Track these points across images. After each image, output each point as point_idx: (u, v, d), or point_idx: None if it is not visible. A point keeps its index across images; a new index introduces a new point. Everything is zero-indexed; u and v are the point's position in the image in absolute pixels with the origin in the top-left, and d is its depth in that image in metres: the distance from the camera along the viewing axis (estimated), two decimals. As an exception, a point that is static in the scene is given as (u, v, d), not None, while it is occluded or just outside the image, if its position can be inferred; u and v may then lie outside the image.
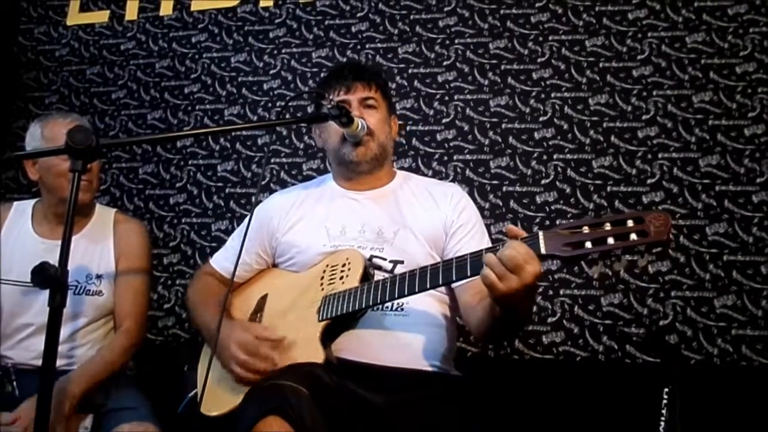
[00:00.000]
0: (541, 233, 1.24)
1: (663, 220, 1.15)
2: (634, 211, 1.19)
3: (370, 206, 1.75)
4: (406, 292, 1.44)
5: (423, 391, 1.50)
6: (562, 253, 1.20)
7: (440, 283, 1.41)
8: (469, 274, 1.35)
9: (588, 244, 1.18)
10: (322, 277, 1.61)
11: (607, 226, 1.18)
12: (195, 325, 1.76)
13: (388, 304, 1.59)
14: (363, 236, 1.68)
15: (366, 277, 1.56)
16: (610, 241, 1.17)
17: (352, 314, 1.53)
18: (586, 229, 1.19)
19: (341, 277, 1.57)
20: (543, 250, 1.22)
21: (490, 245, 1.67)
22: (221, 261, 1.85)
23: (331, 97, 1.75)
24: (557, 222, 2.52)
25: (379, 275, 1.59)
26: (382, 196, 1.78)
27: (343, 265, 1.59)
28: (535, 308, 2.45)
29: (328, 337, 1.53)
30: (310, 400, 1.28)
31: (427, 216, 1.73)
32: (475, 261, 1.34)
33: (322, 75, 2.85)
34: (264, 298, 1.74)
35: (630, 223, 1.16)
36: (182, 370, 1.83)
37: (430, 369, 1.58)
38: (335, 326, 1.55)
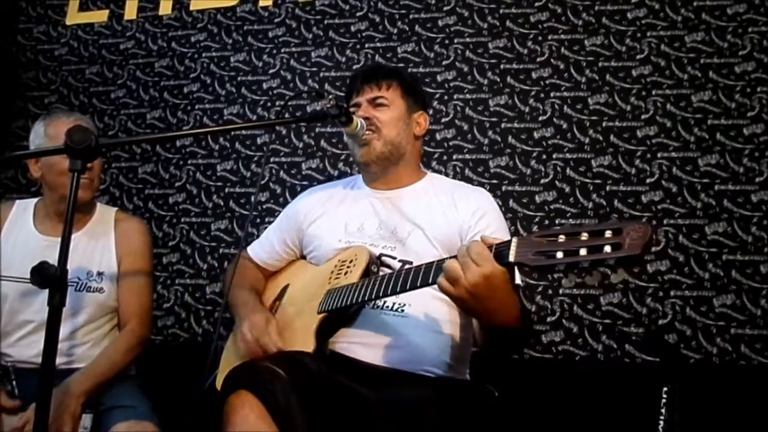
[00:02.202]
0: (514, 240, 1.17)
1: (641, 233, 1.03)
2: (617, 222, 1.08)
3: (388, 206, 1.76)
4: (398, 289, 1.42)
5: (417, 391, 1.49)
6: (530, 262, 1.12)
7: (429, 282, 1.34)
8: (430, 281, 1.32)
9: (559, 254, 1.09)
10: (332, 272, 1.65)
11: (584, 236, 1.08)
12: (230, 305, 1.81)
13: (389, 304, 1.59)
14: (378, 234, 1.70)
15: (367, 273, 1.58)
16: (582, 252, 1.07)
17: (347, 308, 1.55)
18: (562, 238, 1.10)
19: (345, 273, 1.60)
20: (512, 258, 1.16)
21: None
22: (257, 250, 1.94)
23: (344, 102, 1.80)
24: (556, 222, 2.52)
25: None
26: (401, 197, 1.78)
27: (350, 261, 1.62)
28: (534, 307, 2.46)
29: (325, 329, 1.56)
30: (285, 382, 1.32)
31: (444, 219, 1.71)
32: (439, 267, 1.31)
33: (321, 74, 2.88)
34: (285, 288, 1.82)
35: (608, 233, 1.06)
36: (183, 369, 1.84)
37: (424, 374, 1.56)
38: (333, 320, 1.57)
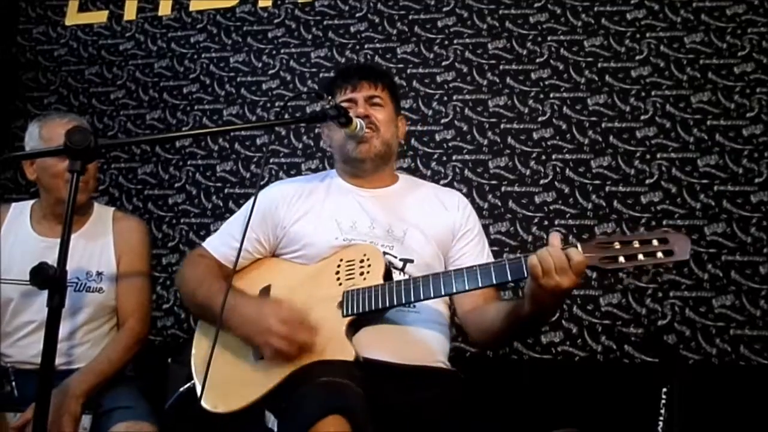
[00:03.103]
0: (579, 244, 1.34)
1: (685, 241, 1.29)
2: (658, 232, 1.33)
3: (377, 204, 1.76)
4: (443, 292, 1.47)
5: (437, 390, 1.50)
6: (602, 265, 1.32)
7: (479, 285, 1.44)
8: (509, 278, 1.41)
9: (621, 259, 1.31)
10: (338, 271, 1.60)
11: (636, 244, 1.31)
12: (197, 305, 1.66)
13: None
14: (373, 232, 1.69)
15: (389, 274, 1.56)
16: (641, 257, 1.30)
17: (379, 311, 1.52)
18: (617, 245, 1.32)
19: (361, 273, 1.56)
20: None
21: (489, 252, 1.78)
22: (218, 246, 1.77)
23: (336, 96, 1.79)
24: (556, 222, 2.53)
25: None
26: (387, 197, 1.79)
27: (362, 261, 1.58)
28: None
29: (351, 333, 1.51)
30: (365, 401, 1.28)
31: (436, 219, 1.75)
32: (515, 267, 1.39)
33: (320, 75, 2.87)
34: (267, 289, 1.69)
35: (655, 242, 1.30)
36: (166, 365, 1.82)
37: (438, 365, 1.60)
38: (357, 322, 1.53)
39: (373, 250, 1.60)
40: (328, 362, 1.41)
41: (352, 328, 1.52)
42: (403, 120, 1.90)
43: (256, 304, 1.55)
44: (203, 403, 1.49)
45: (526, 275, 1.37)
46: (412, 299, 1.50)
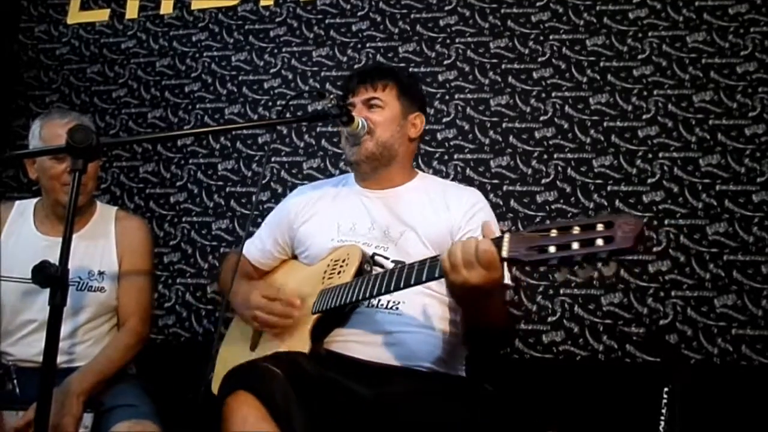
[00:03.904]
0: (506, 235, 1.19)
1: (632, 226, 1.05)
2: (608, 215, 1.10)
3: (380, 205, 1.77)
4: (392, 288, 1.44)
5: (413, 386, 1.51)
6: (523, 258, 1.14)
7: (423, 279, 1.37)
8: (436, 275, 1.33)
9: (551, 249, 1.10)
10: (325, 271, 1.66)
11: (576, 230, 1.09)
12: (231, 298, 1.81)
13: (383, 302, 1.60)
14: (371, 234, 1.71)
15: (360, 272, 1.58)
16: (575, 246, 1.08)
17: (341, 308, 1.55)
18: (554, 233, 1.11)
19: (339, 272, 1.61)
20: (505, 254, 1.17)
21: None
22: (251, 250, 1.94)
23: (340, 100, 1.81)
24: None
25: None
26: (394, 197, 1.79)
27: (343, 261, 1.63)
28: (534, 307, 2.45)
29: (320, 329, 1.57)
30: (283, 381, 1.33)
31: (436, 219, 1.73)
32: (433, 264, 1.35)
33: (322, 74, 2.87)
34: (279, 289, 1.79)
35: (599, 227, 1.07)
36: (184, 369, 1.85)
37: (421, 369, 1.59)
38: (327, 320, 1.58)
39: (353, 250, 1.64)
40: (284, 353, 1.53)
41: (322, 326, 1.58)
42: (420, 117, 1.87)
43: (248, 286, 1.74)
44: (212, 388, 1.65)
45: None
46: (368, 295, 1.49)
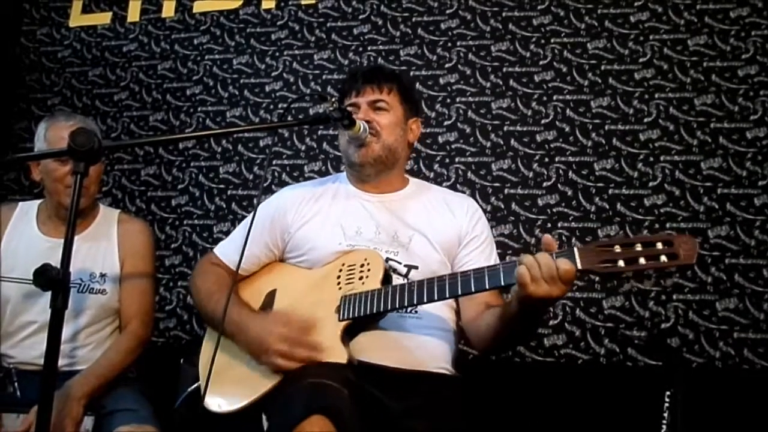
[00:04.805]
0: (576, 248, 1.29)
1: (691, 244, 1.22)
2: (662, 234, 1.27)
3: (383, 210, 1.75)
4: (435, 297, 1.46)
5: (435, 395, 1.50)
6: (599, 270, 1.26)
7: (472, 290, 1.43)
8: (502, 283, 1.39)
9: (621, 263, 1.25)
10: (339, 276, 1.60)
11: (638, 247, 1.24)
12: (206, 316, 1.70)
13: None
14: (378, 238, 1.68)
15: (387, 279, 1.56)
16: (642, 261, 1.23)
17: (374, 316, 1.52)
18: (617, 248, 1.26)
19: (360, 278, 1.56)
20: (579, 266, 1.28)
21: (497, 259, 1.75)
22: (229, 253, 1.78)
23: (344, 101, 1.79)
24: (559, 225, 2.52)
25: (393, 279, 1.60)
26: (395, 201, 1.78)
27: (362, 266, 1.58)
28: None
29: (347, 336, 1.52)
30: (350, 401, 1.30)
31: (443, 225, 1.73)
32: (508, 271, 1.37)
33: (323, 77, 2.88)
34: (272, 294, 1.71)
35: (659, 245, 1.23)
36: (178, 365, 1.82)
37: (440, 371, 1.59)
38: (354, 326, 1.53)
39: (373, 255, 1.60)
40: (321, 365, 1.43)
41: (349, 332, 1.52)
42: (417, 122, 1.87)
43: (260, 324, 1.55)
44: (206, 403, 1.51)
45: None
46: (406, 304, 1.49)
